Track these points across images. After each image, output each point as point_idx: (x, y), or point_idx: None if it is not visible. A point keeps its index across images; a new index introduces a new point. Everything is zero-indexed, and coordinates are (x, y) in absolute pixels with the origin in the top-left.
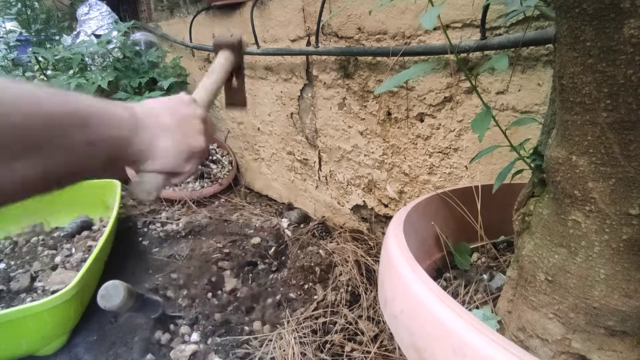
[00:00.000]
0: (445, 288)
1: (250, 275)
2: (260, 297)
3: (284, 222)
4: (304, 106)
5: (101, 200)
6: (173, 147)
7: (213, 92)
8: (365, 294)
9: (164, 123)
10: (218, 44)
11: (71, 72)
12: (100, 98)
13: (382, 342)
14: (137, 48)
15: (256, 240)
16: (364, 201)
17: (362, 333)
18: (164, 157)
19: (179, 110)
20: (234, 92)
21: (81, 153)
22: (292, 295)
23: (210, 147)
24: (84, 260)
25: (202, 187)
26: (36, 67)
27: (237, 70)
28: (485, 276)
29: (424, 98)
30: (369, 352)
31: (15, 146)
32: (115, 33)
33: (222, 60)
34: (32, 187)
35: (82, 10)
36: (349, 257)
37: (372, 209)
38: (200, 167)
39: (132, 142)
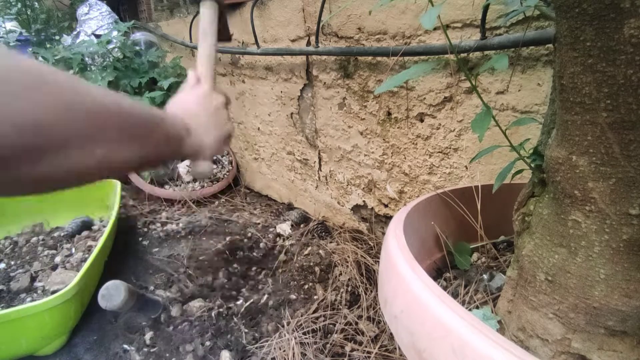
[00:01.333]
0: (445, 288)
1: (250, 275)
2: (261, 297)
3: (284, 222)
4: (304, 106)
5: (101, 200)
6: (215, 141)
7: (213, 57)
8: (366, 294)
9: (204, 124)
10: None
11: (71, 72)
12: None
13: (382, 342)
14: (137, 48)
15: (256, 240)
16: (364, 201)
17: (363, 333)
18: (210, 150)
19: (208, 108)
20: (219, 31)
21: (162, 145)
22: (292, 295)
23: None
24: (84, 260)
25: (202, 187)
26: None
27: (221, 15)
28: (485, 276)
29: (424, 98)
30: (369, 353)
31: (128, 137)
32: (115, 33)
33: (210, 12)
34: (131, 167)
35: (82, 10)
36: (348, 257)
37: (372, 209)
38: None
39: (186, 141)
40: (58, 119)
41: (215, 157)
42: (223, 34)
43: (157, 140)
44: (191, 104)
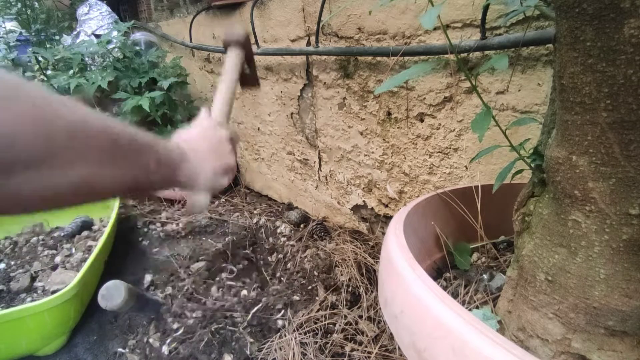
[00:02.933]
0: (445, 288)
1: (250, 275)
2: (261, 297)
3: (284, 222)
4: (304, 106)
5: None
6: (212, 171)
7: (230, 100)
8: (366, 294)
9: (202, 152)
10: (227, 41)
11: (71, 72)
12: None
13: (382, 342)
14: (137, 48)
15: (256, 240)
16: (364, 201)
17: (363, 333)
18: (206, 180)
19: (211, 139)
20: (247, 77)
21: (151, 170)
22: (293, 296)
23: None
24: (84, 260)
25: None
26: (36, 67)
27: (248, 60)
28: (485, 276)
29: (424, 98)
30: (369, 353)
31: (110, 159)
32: (115, 33)
33: (234, 58)
34: (116, 192)
35: (82, 10)
36: (349, 257)
37: (372, 209)
38: None
39: (181, 168)
40: (35, 133)
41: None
42: (250, 81)
43: (145, 164)
44: (193, 133)
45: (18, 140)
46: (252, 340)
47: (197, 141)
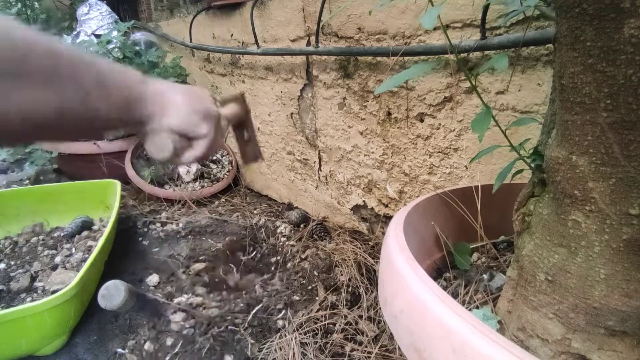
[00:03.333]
0: (445, 288)
1: (250, 275)
2: (261, 297)
3: (284, 222)
4: (304, 106)
5: (101, 200)
6: (185, 104)
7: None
8: (366, 294)
9: (176, 88)
10: (224, 100)
11: None
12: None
13: (382, 342)
14: (137, 48)
15: (256, 240)
16: (364, 201)
17: (363, 333)
18: (177, 113)
19: (192, 91)
20: (247, 146)
21: (93, 93)
22: (293, 296)
23: None
24: (84, 260)
25: (202, 187)
26: None
27: (246, 123)
28: (485, 276)
29: (424, 98)
30: (369, 353)
31: (24, 73)
32: (115, 33)
33: (230, 108)
34: (54, 121)
35: (82, 10)
36: (349, 257)
37: (372, 209)
38: (200, 166)
39: (145, 96)
40: None
41: (214, 158)
42: (251, 152)
43: (87, 84)
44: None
45: None
46: (252, 341)
47: (173, 87)
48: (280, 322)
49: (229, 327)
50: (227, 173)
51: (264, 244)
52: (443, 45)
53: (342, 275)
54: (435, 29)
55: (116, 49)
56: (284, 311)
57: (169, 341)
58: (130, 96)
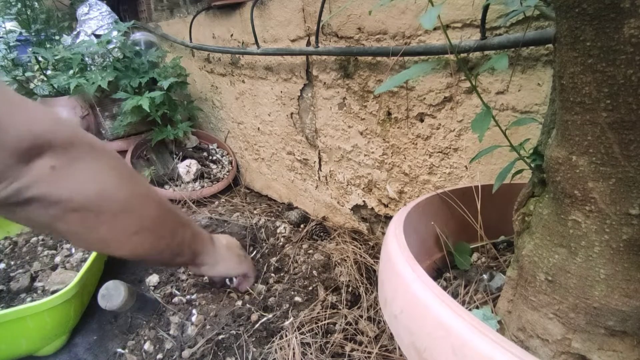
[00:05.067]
0: (445, 288)
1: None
2: (262, 298)
3: (284, 223)
4: (304, 106)
5: None
6: (230, 259)
7: None
8: (366, 294)
9: (222, 245)
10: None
11: (71, 72)
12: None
13: (382, 342)
14: (137, 48)
15: (256, 240)
16: (364, 201)
17: (363, 333)
18: (227, 267)
19: (232, 245)
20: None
21: (184, 244)
22: (294, 297)
23: (210, 147)
24: (84, 260)
25: (202, 187)
26: (36, 67)
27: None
28: (485, 276)
29: (424, 98)
30: (369, 353)
31: (156, 230)
32: (115, 33)
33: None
34: (150, 255)
35: (82, 10)
36: (348, 257)
37: (372, 209)
38: (200, 166)
39: (208, 251)
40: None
41: (214, 158)
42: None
43: (182, 236)
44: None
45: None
46: (254, 342)
47: (222, 238)
48: (281, 323)
49: (230, 328)
50: (227, 173)
51: (264, 244)
52: (443, 45)
53: (342, 275)
54: (435, 29)
55: (116, 49)
56: (285, 312)
57: (169, 341)
58: (199, 250)
